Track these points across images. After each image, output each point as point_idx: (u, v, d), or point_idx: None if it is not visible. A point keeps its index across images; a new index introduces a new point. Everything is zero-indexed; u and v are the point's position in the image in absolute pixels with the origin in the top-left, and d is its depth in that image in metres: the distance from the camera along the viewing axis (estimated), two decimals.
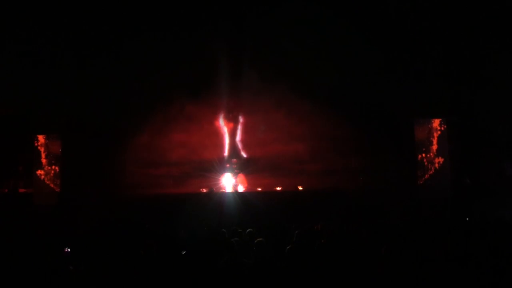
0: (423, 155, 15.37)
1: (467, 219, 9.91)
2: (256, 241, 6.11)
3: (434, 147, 15.55)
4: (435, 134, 15.57)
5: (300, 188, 15.74)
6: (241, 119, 17.56)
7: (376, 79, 14.91)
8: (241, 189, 16.28)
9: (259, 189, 16.25)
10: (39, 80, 14.54)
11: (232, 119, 17.50)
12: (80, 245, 6.82)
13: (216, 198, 14.39)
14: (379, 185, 15.02)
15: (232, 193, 15.35)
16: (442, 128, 15.63)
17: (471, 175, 14.90)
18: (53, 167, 16.19)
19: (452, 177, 15.33)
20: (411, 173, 15.28)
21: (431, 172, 15.35)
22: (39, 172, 16.14)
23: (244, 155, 17.51)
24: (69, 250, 6.23)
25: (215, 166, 16.84)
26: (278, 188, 16.15)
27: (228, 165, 17.26)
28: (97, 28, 14.48)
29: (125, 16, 14.20)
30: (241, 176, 16.82)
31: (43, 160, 16.27)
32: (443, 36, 14.46)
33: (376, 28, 14.48)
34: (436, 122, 15.60)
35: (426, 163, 15.39)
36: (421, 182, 15.12)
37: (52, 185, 16.03)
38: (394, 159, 15.18)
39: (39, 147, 16.30)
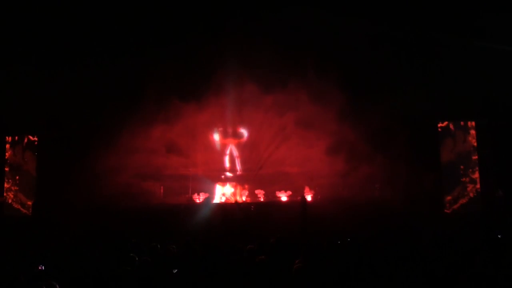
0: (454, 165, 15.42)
1: (499, 236, 9.82)
2: (257, 259, 6.09)
3: (464, 153, 15.56)
4: (469, 139, 15.57)
5: (309, 198, 15.70)
6: (242, 128, 17.53)
7: (394, 77, 14.97)
8: (241, 199, 16.26)
9: (261, 199, 16.22)
10: (14, 80, 14.64)
11: (231, 124, 17.41)
12: (57, 262, 6.80)
13: (212, 209, 14.37)
14: (398, 195, 14.94)
15: (231, 203, 15.33)
16: (473, 133, 15.64)
17: (504, 185, 14.79)
18: (16, 177, 15.82)
19: (482, 188, 15.23)
20: (435, 182, 15.22)
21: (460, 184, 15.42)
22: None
23: (245, 160, 17.47)
24: (43, 267, 6.21)
25: (212, 174, 16.86)
26: (284, 199, 16.11)
27: (227, 172, 17.28)
28: (80, 26, 14.70)
29: (107, 12, 14.41)
30: (242, 184, 16.80)
31: (6, 169, 16.02)
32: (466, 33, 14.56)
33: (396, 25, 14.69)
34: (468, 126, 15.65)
35: (455, 171, 15.42)
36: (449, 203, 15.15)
37: (10, 200, 15.73)
38: (416, 166, 15.12)
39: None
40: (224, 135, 17.37)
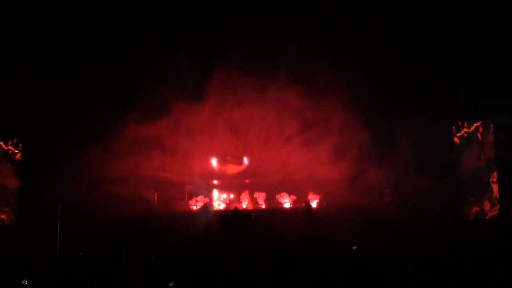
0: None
1: None
2: (258, 270, 6.08)
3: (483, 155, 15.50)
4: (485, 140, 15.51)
5: (314, 204, 15.68)
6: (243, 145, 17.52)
7: (405, 77, 15.00)
8: (241, 205, 16.23)
9: (263, 206, 16.20)
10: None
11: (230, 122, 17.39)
12: (42, 276, 6.79)
13: (210, 217, 14.34)
14: (411, 202, 14.91)
15: (230, 210, 15.28)
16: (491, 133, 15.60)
17: None
18: None
19: (501, 192, 15.17)
20: (451, 186, 15.17)
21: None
22: None
23: (245, 162, 17.45)
24: (26, 282, 6.20)
25: (210, 180, 16.82)
26: (287, 205, 16.09)
27: (225, 178, 17.26)
28: (68, 25, 14.77)
29: (96, 10, 14.48)
30: (242, 190, 16.77)
31: None
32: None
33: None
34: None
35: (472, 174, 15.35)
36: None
37: None
38: (431, 170, 15.08)
39: None
40: (224, 160, 17.35)
